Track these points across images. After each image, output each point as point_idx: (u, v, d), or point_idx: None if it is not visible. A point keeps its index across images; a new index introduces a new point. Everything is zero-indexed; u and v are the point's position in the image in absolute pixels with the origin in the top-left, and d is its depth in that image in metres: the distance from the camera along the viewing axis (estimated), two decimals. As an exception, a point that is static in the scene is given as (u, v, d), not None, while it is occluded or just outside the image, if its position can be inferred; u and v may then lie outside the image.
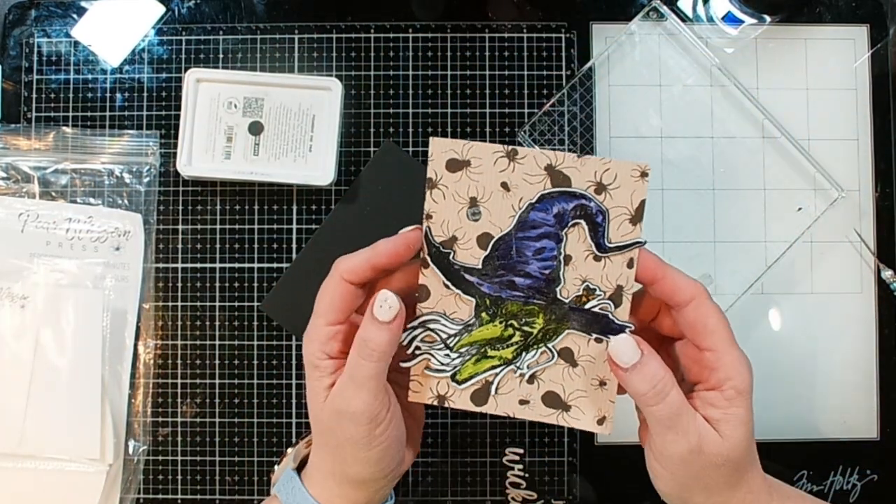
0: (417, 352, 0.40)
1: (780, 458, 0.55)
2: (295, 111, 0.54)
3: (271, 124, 0.54)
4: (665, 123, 0.57)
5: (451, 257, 0.39)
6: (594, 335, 0.39)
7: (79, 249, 0.55)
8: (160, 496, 0.55)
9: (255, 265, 0.56)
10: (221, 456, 0.55)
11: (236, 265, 0.56)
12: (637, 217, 0.38)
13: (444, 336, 0.39)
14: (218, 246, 0.56)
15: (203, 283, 0.56)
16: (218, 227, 0.56)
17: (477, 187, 0.38)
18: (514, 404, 0.40)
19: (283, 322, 0.55)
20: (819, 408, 0.56)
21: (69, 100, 0.56)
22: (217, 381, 0.55)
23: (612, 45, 0.57)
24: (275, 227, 0.56)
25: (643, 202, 0.38)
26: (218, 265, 0.56)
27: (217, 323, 0.56)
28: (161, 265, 0.56)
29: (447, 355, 0.40)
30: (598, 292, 0.39)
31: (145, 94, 0.56)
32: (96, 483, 0.53)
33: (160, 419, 0.55)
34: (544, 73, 0.57)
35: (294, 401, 0.55)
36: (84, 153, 0.56)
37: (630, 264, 0.38)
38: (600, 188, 0.38)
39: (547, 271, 0.39)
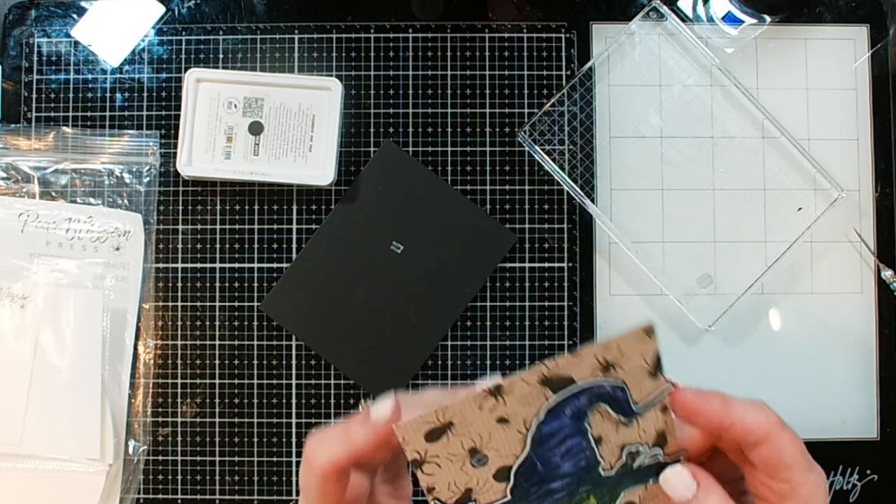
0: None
1: (780, 458, 0.55)
2: (295, 111, 0.54)
3: (271, 124, 0.54)
4: (665, 123, 0.57)
5: None
6: (651, 480, 0.36)
7: (79, 249, 0.55)
8: (160, 496, 0.55)
9: (255, 265, 0.56)
10: (221, 456, 0.55)
11: (236, 265, 0.56)
12: (656, 370, 0.35)
13: None
14: (218, 246, 0.56)
15: (203, 283, 0.56)
16: (218, 227, 0.56)
17: (471, 438, 0.34)
18: None
19: (284, 322, 0.55)
20: (819, 408, 0.56)
21: (69, 100, 0.56)
22: (217, 381, 0.55)
23: (612, 45, 0.57)
24: (275, 227, 0.56)
25: (658, 355, 0.34)
26: (218, 265, 0.56)
27: (217, 323, 0.55)
28: (161, 265, 0.56)
29: None
30: (640, 450, 0.36)
31: (145, 94, 0.56)
32: (96, 483, 0.53)
33: (160, 419, 0.55)
34: (544, 73, 0.57)
35: (294, 401, 0.55)
36: (84, 153, 0.56)
37: (664, 410, 0.35)
38: (607, 367, 0.34)
39: (583, 463, 0.35)
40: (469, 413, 0.33)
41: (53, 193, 0.55)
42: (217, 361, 0.55)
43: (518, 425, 0.34)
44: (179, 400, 0.55)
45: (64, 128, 0.56)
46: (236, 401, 0.55)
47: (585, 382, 0.34)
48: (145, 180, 0.56)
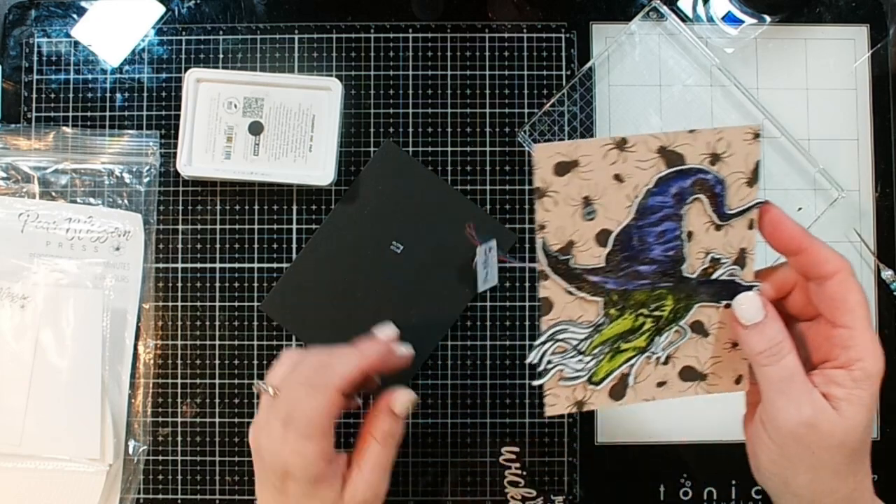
0: (549, 365, 0.38)
1: (780, 458, 0.55)
2: (295, 111, 0.54)
3: (271, 124, 0.54)
4: (665, 123, 0.57)
5: (570, 262, 0.37)
6: (724, 302, 0.38)
7: (79, 249, 0.55)
8: (160, 496, 0.55)
9: (255, 265, 0.56)
10: (221, 456, 0.55)
11: (236, 265, 0.56)
12: (754, 178, 0.37)
13: (575, 343, 0.38)
14: (218, 246, 0.56)
15: (203, 283, 0.56)
16: (218, 227, 0.56)
17: (589, 186, 0.36)
18: (652, 388, 0.39)
19: (283, 322, 0.55)
20: (819, 408, 0.56)
21: (69, 100, 0.56)
22: (217, 381, 0.55)
23: (612, 45, 0.57)
24: (275, 227, 0.56)
25: (758, 163, 0.36)
26: (218, 265, 0.56)
27: (217, 323, 0.55)
28: (161, 265, 0.56)
29: (580, 360, 0.38)
30: (723, 260, 0.38)
31: (145, 94, 0.56)
32: (96, 483, 0.53)
33: (160, 419, 0.55)
34: (544, 73, 0.57)
35: (294, 401, 0.55)
36: (84, 153, 0.56)
37: (751, 226, 0.37)
38: (715, 158, 0.36)
39: (671, 252, 0.37)
40: (594, 157, 0.36)
41: (53, 193, 0.55)
42: (217, 361, 0.55)
43: (629, 189, 0.36)
44: (179, 400, 0.55)
45: (64, 128, 0.56)
46: (236, 401, 0.55)
47: (694, 164, 0.36)
48: (145, 180, 0.56)
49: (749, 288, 0.38)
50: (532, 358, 0.38)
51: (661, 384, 0.39)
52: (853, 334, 0.36)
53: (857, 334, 0.36)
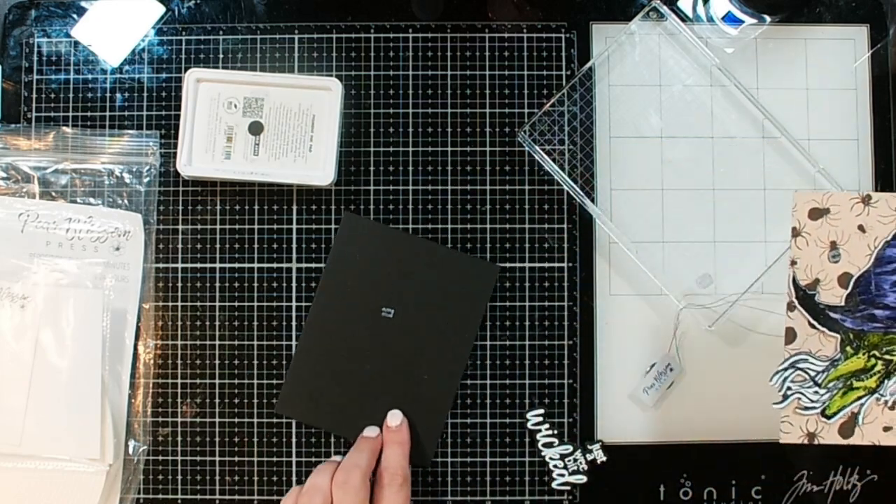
0: (788, 392, 0.41)
1: (781, 458, 0.55)
2: (295, 111, 0.54)
3: (271, 124, 0.54)
4: (665, 123, 0.57)
5: (815, 298, 0.42)
6: None
7: (79, 249, 0.55)
8: (160, 496, 0.55)
9: (255, 265, 0.56)
10: (221, 456, 0.55)
11: (236, 265, 0.56)
12: None
13: (813, 374, 0.41)
14: (218, 246, 0.56)
15: (203, 283, 0.56)
16: (218, 227, 0.56)
17: (836, 231, 0.42)
18: (879, 432, 0.42)
19: (302, 417, 0.55)
20: (819, 408, 0.56)
21: (69, 100, 0.56)
22: (217, 381, 0.55)
23: (612, 45, 0.57)
24: (275, 227, 0.56)
25: None
26: (218, 265, 0.56)
27: (217, 323, 0.56)
28: (161, 265, 0.56)
29: (816, 392, 0.41)
30: None
31: (145, 94, 0.56)
32: (96, 483, 0.53)
33: (160, 419, 0.55)
34: (544, 73, 0.57)
35: (294, 401, 0.55)
36: (84, 153, 0.56)
37: None
38: None
39: None
40: (843, 207, 0.42)
41: (53, 193, 0.55)
42: (217, 361, 0.55)
43: (870, 239, 0.41)
44: (179, 400, 0.55)
45: (64, 128, 0.56)
46: (236, 401, 0.55)
47: None
48: (145, 180, 0.56)
49: None
50: (774, 382, 0.42)
51: (887, 429, 0.42)
52: None
53: None
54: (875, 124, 0.57)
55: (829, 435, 0.41)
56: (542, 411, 0.55)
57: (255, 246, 0.56)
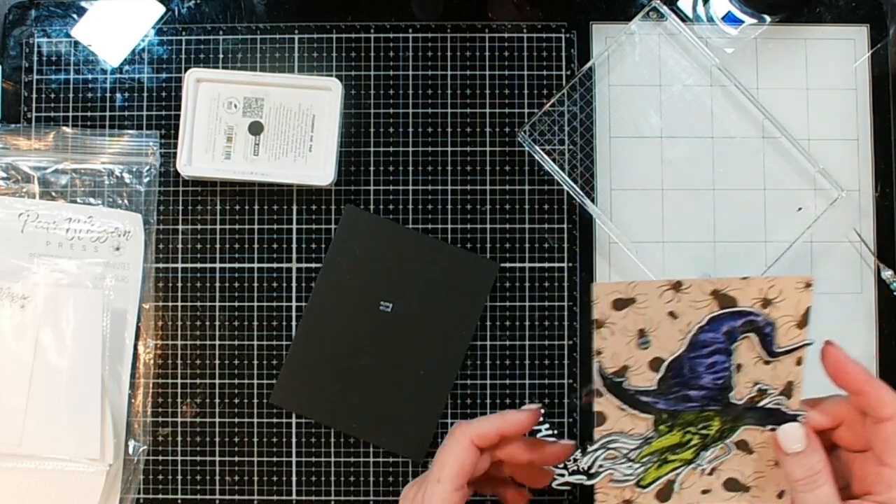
0: (600, 469, 0.41)
1: (780, 458, 0.55)
2: (295, 111, 0.54)
3: (271, 124, 0.54)
4: (665, 123, 0.57)
5: (623, 384, 0.40)
6: (769, 426, 0.41)
7: (79, 249, 0.55)
8: (160, 496, 0.55)
9: (255, 265, 0.56)
10: (221, 456, 0.55)
11: (236, 265, 0.56)
12: (803, 322, 0.39)
13: (625, 451, 0.41)
14: (218, 246, 0.56)
15: (203, 283, 0.56)
16: (218, 227, 0.56)
17: (644, 320, 0.39)
18: (697, 495, 0.42)
19: (296, 409, 0.55)
20: (819, 408, 0.56)
21: (69, 100, 0.56)
22: (217, 381, 0.55)
23: (612, 45, 0.57)
24: (275, 227, 0.56)
25: (809, 309, 0.39)
26: (218, 265, 0.56)
27: (217, 323, 0.55)
28: (161, 265, 0.56)
29: (629, 466, 0.41)
30: (769, 391, 0.40)
31: (145, 94, 0.56)
32: (96, 483, 0.53)
33: (160, 419, 0.55)
34: (544, 73, 0.57)
35: (294, 401, 0.55)
36: (84, 153, 0.56)
37: (798, 363, 0.40)
38: (766, 303, 0.39)
39: (720, 381, 0.40)
40: (651, 296, 0.39)
41: (53, 193, 0.55)
42: (217, 361, 0.55)
43: (682, 324, 0.39)
44: (179, 400, 0.55)
45: (64, 128, 0.56)
46: (236, 401, 0.55)
47: (745, 308, 0.39)
48: (145, 180, 0.56)
49: (794, 417, 0.40)
50: (585, 463, 0.41)
51: (705, 492, 0.42)
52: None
53: None
54: (875, 124, 0.57)
55: (647, 500, 0.42)
56: (542, 411, 0.55)
57: (255, 246, 0.56)
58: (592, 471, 0.41)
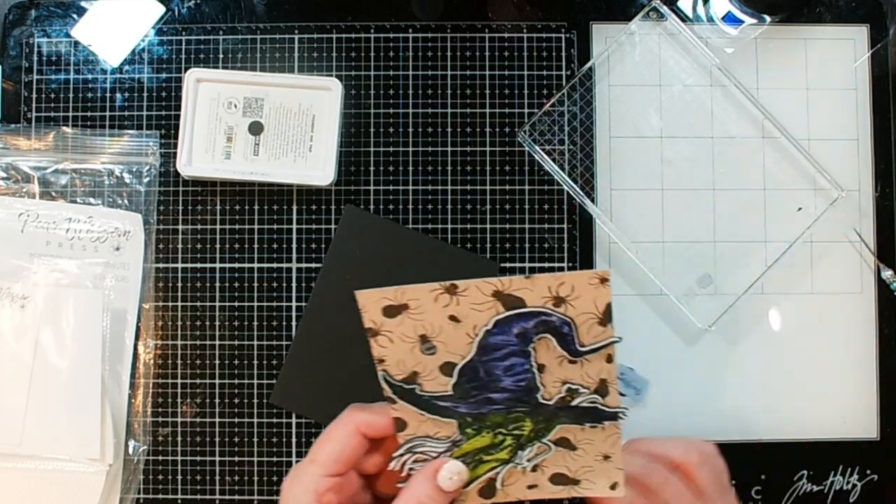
0: (411, 472, 0.38)
1: (780, 458, 0.55)
2: (295, 111, 0.54)
3: (271, 124, 0.54)
4: (665, 123, 0.57)
5: (416, 391, 0.38)
6: (588, 424, 0.38)
7: (79, 249, 0.55)
8: (160, 496, 0.55)
9: (255, 265, 0.56)
10: (221, 456, 0.55)
11: (236, 265, 0.56)
12: (606, 319, 0.37)
13: (434, 455, 0.38)
14: (218, 246, 0.56)
15: (203, 283, 0.56)
16: (218, 227, 0.56)
17: (423, 325, 0.37)
18: (523, 490, 0.39)
19: (296, 408, 0.55)
20: (819, 408, 0.56)
21: (69, 100, 0.56)
22: (217, 381, 0.55)
23: (612, 45, 0.57)
24: (275, 227, 0.56)
25: (609, 305, 0.37)
26: (218, 265, 0.56)
27: (217, 323, 0.55)
28: (161, 265, 0.56)
29: None
30: (581, 390, 0.38)
31: (145, 94, 0.56)
32: (96, 483, 0.53)
33: (160, 419, 0.55)
34: (544, 73, 0.57)
35: (294, 401, 0.55)
36: (84, 153, 0.56)
37: (609, 360, 0.38)
38: (559, 301, 0.36)
39: (522, 383, 0.38)
40: (424, 301, 0.36)
41: (53, 193, 0.55)
42: (217, 361, 0.55)
43: (468, 328, 0.37)
44: (179, 400, 0.55)
45: (64, 128, 0.56)
46: (236, 401, 0.55)
47: (535, 308, 0.36)
48: (145, 180, 0.56)
49: (614, 415, 0.38)
50: (392, 466, 0.38)
51: (531, 487, 0.39)
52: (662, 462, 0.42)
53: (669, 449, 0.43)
54: (875, 124, 0.57)
55: (470, 497, 0.39)
56: None
57: (255, 246, 0.56)
58: (403, 474, 0.38)
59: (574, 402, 0.38)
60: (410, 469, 0.38)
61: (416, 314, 0.37)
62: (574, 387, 0.38)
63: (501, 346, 0.37)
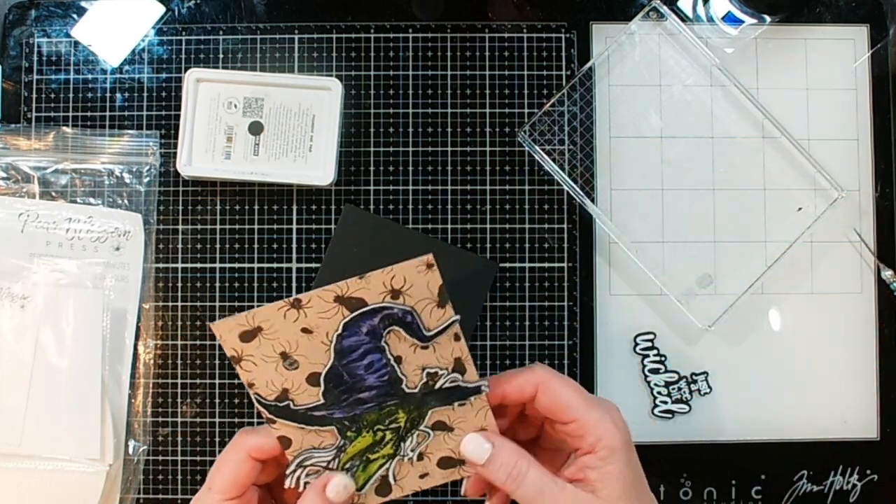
0: (308, 485, 0.41)
1: (780, 458, 0.55)
2: (295, 111, 0.54)
3: (271, 124, 0.54)
4: (665, 123, 0.57)
5: (290, 406, 0.40)
6: (456, 403, 0.41)
7: (79, 249, 0.55)
8: (160, 496, 0.55)
9: (255, 265, 0.56)
10: (221, 456, 0.55)
11: (236, 265, 0.56)
12: (443, 301, 0.40)
13: (325, 464, 0.41)
14: (218, 246, 0.56)
15: (203, 283, 0.56)
16: (218, 227, 0.56)
17: (280, 343, 0.39)
18: (416, 480, 0.42)
19: None
20: (819, 408, 0.56)
21: (69, 100, 0.56)
22: (217, 381, 0.55)
23: (612, 45, 0.57)
24: (275, 227, 0.56)
25: (441, 286, 0.39)
26: (218, 265, 0.56)
27: (217, 323, 0.55)
28: (161, 265, 0.56)
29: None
30: (440, 373, 0.40)
31: (145, 94, 0.56)
32: (96, 483, 0.53)
33: (160, 419, 0.55)
34: (544, 73, 0.57)
35: (294, 401, 0.55)
36: (84, 153, 0.56)
37: (457, 338, 0.40)
38: (396, 293, 0.39)
39: (385, 377, 0.40)
40: (275, 320, 0.38)
41: (53, 193, 0.55)
42: (217, 361, 0.55)
43: (321, 336, 0.39)
44: (179, 400, 0.55)
45: (64, 128, 0.56)
46: (236, 401, 0.55)
47: (376, 304, 0.39)
48: (145, 180, 0.56)
49: (477, 388, 0.41)
50: (288, 484, 0.40)
51: (423, 476, 0.42)
52: (581, 424, 0.39)
53: (584, 422, 0.39)
54: (875, 124, 0.57)
55: (370, 499, 0.42)
56: (653, 334, 0.55)
57: (255, 246, 0.56)
58: (301, 489, 0.40)
59: (437, 385, 0.41)
60: (305, 482, 0.40)
61: (271, 334, 0.38)
62: (432, 370, 0.40)
63: (356, 347, 0.39)
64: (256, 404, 0.39)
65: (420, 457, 0.41)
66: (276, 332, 0.38)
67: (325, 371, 0.39)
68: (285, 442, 0.40)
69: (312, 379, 0.40)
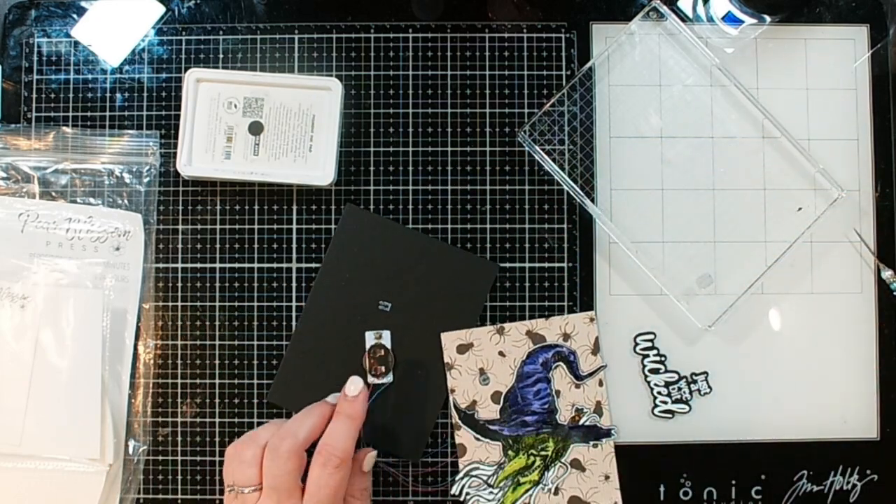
0: (467, 497, 0.51)
1: (780, 458, 0.55)
2: (295, 111, 0.54)
3: (271, 124, 0.54)
4: (665, 123, 0.57)
5: (475, 416, 0.51)
6: (591, 442, 0.52)
7: (79, 249, 0.55)
8: (160, 496, 0.55)
9: (255, 265, 0.56)
10: (221, 456, 0.55)
11: (236, 265, 0.56)
12: (595, 349, 0.52)
13: (485, 477, 0.51)
14: (218, 246, 0.56)
15: (203, 283, 0.56)
16: (218, 227, 0.56)
17: (481, 360, 0.52)
18: None
19: (294, 407, 0.54)
20: (819, 408, 0.56)
21: (69, 100, 0.56)
22: (217, 381, 0.55)
23: (612, 45, 0.57)
24: (275, 227, 0.56)
25: (597, 339, 0.53)
26: (218, 265, 0.56)
27: (217, 323, 0.56)
28: (161, 265, 0.56)
29: (491, 492, 0.51)
30: (585, 410, 0.52)
31: (145, 94, 0.56)
32: (96, 483, 0.53)
33: (160, 419, 0.55)
34: (544, 73, 0.57)
35: (294, 401, 0.55)
36: (84, 153, 0.56)
37: (600, 384, 0.52)
38: (566, 337, 0.52)
39: (546, 406, 0.51)
40: (484, 340, 0.52)
41: (53, 193, 0.55)
42: (217, 361, 0.55)
43: (510, 360, 0.52)
44: (179, 400, 0.55)
45: (64, 128, 0.56)
46: (236, 401, 0.55)
47: (552, 342, 0.52)
48: (145, 180, 0.56)
49: (608, 432, 0.52)
50: (455, 490, 0.51)
51: None
52: None
53: None
54: (875, 124, 0.57)
55: None
56: (653, 335, 0.56)
57: (255, 246, 0.56)
58: (462, 498, 0.50)
59: (581, 421, 0.51)
60: (467, 493, 0.51)
61: (478, 351, 0.51)
62: (580, 407, 0.51)
63: (532, 374, 0.51)
64: (452, 408, 0.51)
65: (556, 491, 0.50)
66: (481, 350, 0.51)
67: (505, 390, 0.51)
68: (461, 450, 0.51)
69: (495, 396, 0.51)
